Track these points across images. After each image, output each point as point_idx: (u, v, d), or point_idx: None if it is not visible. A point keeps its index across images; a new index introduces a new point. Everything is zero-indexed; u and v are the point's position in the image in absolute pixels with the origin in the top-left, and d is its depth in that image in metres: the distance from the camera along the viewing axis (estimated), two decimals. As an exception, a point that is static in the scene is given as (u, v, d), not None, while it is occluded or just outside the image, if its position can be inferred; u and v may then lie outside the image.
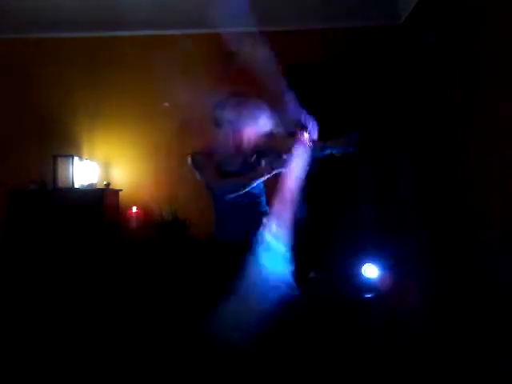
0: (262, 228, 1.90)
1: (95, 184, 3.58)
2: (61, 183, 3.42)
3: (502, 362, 2.05)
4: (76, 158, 3.47)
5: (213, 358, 1.95)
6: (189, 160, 1.99)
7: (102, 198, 3.34)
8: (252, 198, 1.97)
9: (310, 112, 1.85)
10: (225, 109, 1.99)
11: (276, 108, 1.98)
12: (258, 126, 2.00)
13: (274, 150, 1.99)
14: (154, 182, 3.69)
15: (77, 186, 3.44)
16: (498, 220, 2.40)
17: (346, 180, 3.52)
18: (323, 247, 3.42)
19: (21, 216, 3.31)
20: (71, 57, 3.75)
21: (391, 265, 3.11)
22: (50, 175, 3.44)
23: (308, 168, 1.86)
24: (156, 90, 3.71)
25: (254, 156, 2.01)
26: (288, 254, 1.84)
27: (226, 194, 1.93)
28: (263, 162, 2.03)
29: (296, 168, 1.84)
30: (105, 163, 3.72)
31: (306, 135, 1.89)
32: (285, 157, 1.89)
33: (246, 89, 2.01)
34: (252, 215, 1.98)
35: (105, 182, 3.56)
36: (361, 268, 3.23)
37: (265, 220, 1.92)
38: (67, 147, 3.65)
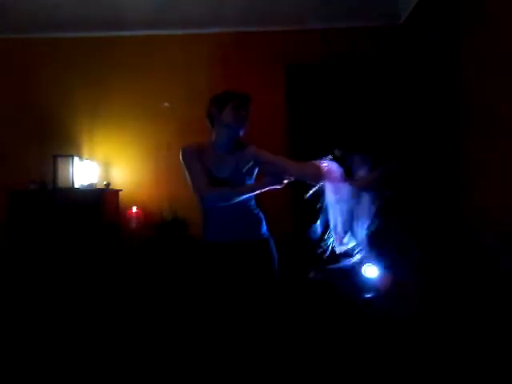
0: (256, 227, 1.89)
1: (95, 184, 3.58)
2: (61, 183, 3.42)
3: (502, 362, 2.05)
4: (76, 158, 3.47)
5: (213, 358, 1.96)
6: (180, 154, 1.94)
7: (101, 198, 3.34)
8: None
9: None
10: (221, 105, 1.93)
11: None
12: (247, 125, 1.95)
13: (278, 168, 1.89)
14: (153, 182, 3.69)
15: (77, 186, 3.44)
16: (498, 221, 2.40)
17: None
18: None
19: (21, 216, 3.31)
20: (71, 57, 3.75)
21: (391, 265, 3.10)
22: (50, 175, 3.44)
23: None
24: (156, 90, 3.73)
25: (251, 163, 1.94)
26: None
27: (212, 203, 1.89)
28: (256, 172, 1.98)
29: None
30: (105, 163, 3.72)
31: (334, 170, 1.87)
32: (285, 181, 1.87)
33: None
34: (239, 215, 1.93)
35: (105, 182, 3.56)
36: (361, 268, 3.22)
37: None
38: (67, 147, 3.64)
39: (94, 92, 3.72)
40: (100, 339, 2.68)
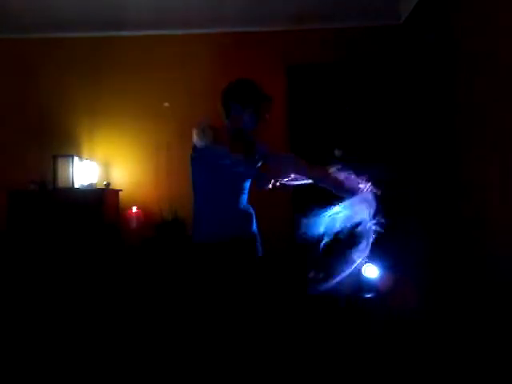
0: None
1: (95, 184, 3.58)
2: (61, 183, 3.42)
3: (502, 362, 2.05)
4: (76, 158, 3.47)
5: (213, 357, 1.95)
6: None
7: (101, 198, 3.34)
8: (228, 198, 1.91)
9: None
10: (245, 104, 1.91)
11: None
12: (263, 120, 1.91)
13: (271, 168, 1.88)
14: (153, 182, 3.70)
15: (77, 186, 3.44)
16: (498, 221, 2.40)
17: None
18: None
19: (21, 216, 3.31)
20: (71, 57, 3.75)
21: (391, 265, 3.10)
22: (50, 175, 3.44)
23: None
24: (156, 90, 3.73)
25: (260, 162, 1.93)
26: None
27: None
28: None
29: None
30: (105, 163, 3.72)
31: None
32: (274, 184, 1.84)
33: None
34: (228, 215, 1.90)
35: (105, 182, 3.56)
36: (361, 268, 3.22)
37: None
38: (67, 147, 3.64)
39: (94, 92, 3.72)
40: (100, 338, 2.69)
